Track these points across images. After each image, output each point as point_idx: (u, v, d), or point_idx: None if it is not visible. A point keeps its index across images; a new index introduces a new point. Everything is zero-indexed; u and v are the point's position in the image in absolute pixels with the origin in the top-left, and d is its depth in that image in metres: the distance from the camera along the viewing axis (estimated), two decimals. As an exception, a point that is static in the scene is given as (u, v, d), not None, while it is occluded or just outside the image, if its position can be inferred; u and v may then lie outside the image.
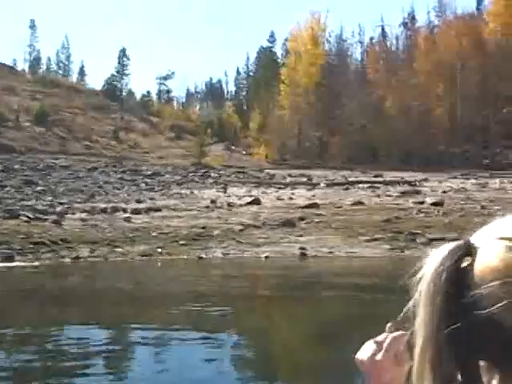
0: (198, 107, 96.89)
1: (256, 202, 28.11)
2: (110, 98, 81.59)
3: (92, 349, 9.73)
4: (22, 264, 16.74)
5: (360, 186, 36.04)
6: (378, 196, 30.49)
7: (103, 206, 26.28)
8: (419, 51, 63.20)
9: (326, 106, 64.11)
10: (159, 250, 18.59)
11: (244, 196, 30.72)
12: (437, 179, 38.78)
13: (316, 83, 65.85)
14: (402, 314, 1.05)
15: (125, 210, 25.17)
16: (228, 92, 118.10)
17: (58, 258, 17.63)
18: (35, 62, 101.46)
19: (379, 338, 1.23)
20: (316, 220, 23.15)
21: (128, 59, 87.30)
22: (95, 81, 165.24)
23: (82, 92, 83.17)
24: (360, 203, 27.36)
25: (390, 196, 30.29)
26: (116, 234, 20.49)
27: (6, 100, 67.88)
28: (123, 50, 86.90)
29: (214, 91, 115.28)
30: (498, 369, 0.95)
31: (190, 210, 25.89)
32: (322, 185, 37.39)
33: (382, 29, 77.39)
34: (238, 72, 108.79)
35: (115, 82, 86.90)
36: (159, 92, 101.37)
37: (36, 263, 16.94)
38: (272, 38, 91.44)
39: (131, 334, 11.30)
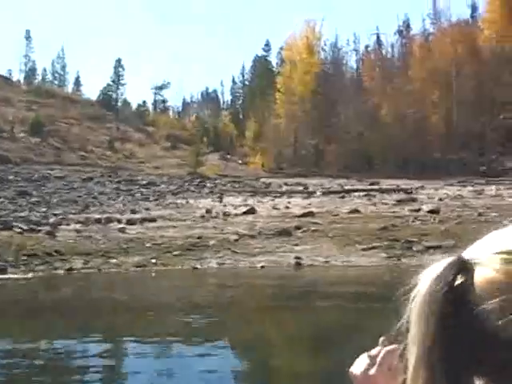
0: (194, 116, 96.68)
1: (251, 211, 27.97)
2: (105, 108, 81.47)
3: (86, 361, 9.68)
4: (15, 276, 16.63)
5: (356, 194, 35.90)
6: (374, 204, 30.35)
7: (98, 216, 26.10)
8: (414, 59, 63.24)
9: (321, 114, 64.08)
10: (153, 260, 18.48)
11: (240, 205, 30.55)
12: (433, 186, 38.69)
13: (311, 91, 65.86)
14: (395, 330, 1.02)
15: (119, 221, 25.02)
16: (224, 101, 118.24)
17: (52, 269, 17.53)
18: (31, 73, 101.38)
19: (373, 352, 1.22)
20: (312, 229, 23.02)
21: (123, 69, 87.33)
22: (91, 91, 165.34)
23: (77, 102, 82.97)
24: (356, 211, 27.23)
25: (386, 204, 30.16)
26: (110, 245, 20.36)
27: (2, 111, 67.67)
28: (119, 60, 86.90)
29: (209, 100, 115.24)
30: None
31: (185, 220, 25.75)
32: (318, 193, 37.26)
33: (377, 37, 77.51)
34: (234, 81, 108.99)
35: (111, 92, 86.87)
36: (155, 102, 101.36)
37: (29, 275, 16.82)
38: (267, 47, 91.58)
39: (126, 346, 11.25)
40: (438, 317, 0.90)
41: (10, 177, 44.27)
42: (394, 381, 1.15)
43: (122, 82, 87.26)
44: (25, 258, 18.26)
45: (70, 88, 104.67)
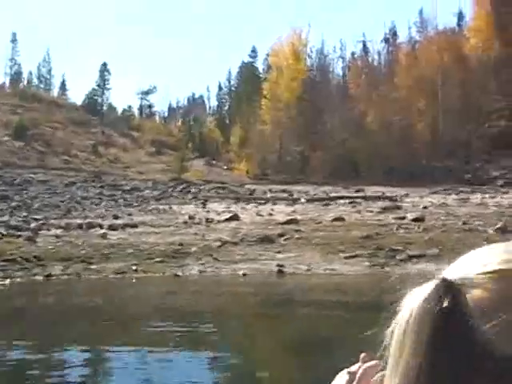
0: (180, 121, 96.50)
1: (235, 217, 27.80)
2: (90, 112, 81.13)
3: (64, 369, 9.56)
4: (-8, 282, 16.37)
5: (341, 201, 35.73)
6: (359, 212, 30.21)
7: (79, 221, 25.89)
8: (400, 66, 63.32)
9: (307, 120, 63.99)
10: (134, 267, 18.26)
11: (223, 212, 30.38)
12: (418, 194, 38.61)
13: (297, 98, 65.77)
14: (378, 354, 0.98)
15: (101, 226, 24.83)
16: (210, 107, 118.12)
17: (30, 275, 17.29)
18: (16, 76, 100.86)
19: (353, 369, 1.19)
20: (296, 236, 22.87)
21: (109, 73, 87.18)
22: (77, 95, 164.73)
23: (62, 106, 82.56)
24: (340, 219, 27.08)
25: (370, 212, 30.02)
26: (91, 251, 20.17)
27: (-14, 115, 67.45)
28: (104, 65, 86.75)
29: (196, 106, 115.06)
30: None
31: (168, 226, 25.56)
32: (302, 200, 37.10)
33: (364, 44, 77.61)
34: (220, 87, 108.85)
35: (96, 97, 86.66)
36: (141, 107, 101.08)
37: (6, 281, 16.56)
38: (254, 53, 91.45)
39: (105, 354, 11.12)
40: (428, 345, 0.86)
41: (-8, 181, 43.94)
42: None
43: (107, 86, 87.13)
44: (3, 263, 18.03)
45: (55, 92, 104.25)
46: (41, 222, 25.72)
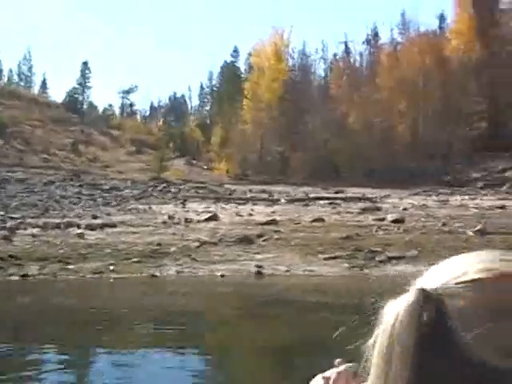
0: (161, 121, 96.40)
1: (214, 217, 27.65)
2: (71, 110, 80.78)
3: (40, 371, 9.37)
4: (-34, 282, 16.18)
5: (321, 202, 35.66)
6: (339, 213, 30.12)
7: (57, 221, 25.66)
8: (382, 68, 63.35)
9: (288, 121, 63.97)
10: (111, 267, 18.09)
11: (203, 212, 30.21)
12: (398, 196, 38.61)
13: (279, 98, 65.74)
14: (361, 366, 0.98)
15: (79, 226, 24.60)
16: (192, 107, 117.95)
17: (6, 275, 17.08)
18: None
19: (327, 374, 1.22)
20: (275, 237, 22.75)
21: (90, 72, 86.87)
22: (58, 93, 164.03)
23: (42, 104, 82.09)
24: (320, 220, 26.99)
25: (350, 213, 29.94)
26: (68, 251, 19.98)
27: (-36, 112, 67.02)
28: (85, 63, 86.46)
29: (177, 106, 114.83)
30: None
31: (147, 226, 25.38)
32: (282, 201, 37.01)
33: (346, 45, 77.60)
34: (202, 87, 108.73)
35: (77, 95, 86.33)
36: (122, 106, 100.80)
37: (-19, 281, 16.38)
38: (235, 53, 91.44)
39: (81, 356, 11.04)
40: (415, 357, 0.88)
41: (-30, 180, 43.60)
42: None
43: (88, 84, 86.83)
44: (-22, 263, 17.82)
45: (36, 90, 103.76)
46: (18, 221, 25.48)
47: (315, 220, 26.93)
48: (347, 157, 56.14)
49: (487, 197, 38.03)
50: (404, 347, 0.88)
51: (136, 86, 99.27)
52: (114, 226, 25.11)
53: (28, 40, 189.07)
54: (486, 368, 0.85)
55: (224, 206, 34.40)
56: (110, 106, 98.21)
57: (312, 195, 39.93)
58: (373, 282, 16.68)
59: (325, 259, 19.36)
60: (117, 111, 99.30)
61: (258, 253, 20.32)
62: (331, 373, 1.22)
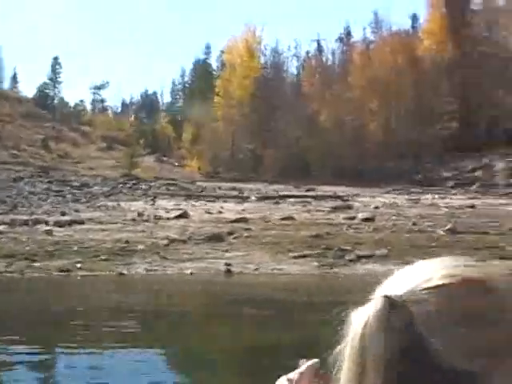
0: (132, 117, 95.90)
1: (184, 215, 27.48)
2: (41, 106, 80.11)
3: (7, 370, 9.21)
4: None
5: (291, 200, 35.58)
6: (309, 211, 30.07)
7: (25, 218, 25.37)
8: (354, 66, 63.47)
9: (260, 118, 63.91)
10: (79, 265, 17.86)
11: (172, 209, 30.03)
12: (369, 194, 38.66)
13: (250, 95, 65.63)
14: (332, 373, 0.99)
15: (47, 223, 24.32)
16: (163, 104, 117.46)
17: (-29, 273, 16.85)
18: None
19: (290, 376, 1.23)
20: (245, 235, 22.63)
21: (61, 67, 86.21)
22: (28, 88, 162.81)
23: (12, 99, 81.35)
24: (290, 218, 26.91)
25: (321, 211, 29.90)
26: (35, 248, 19.74)
27: None
28: (56, 58, 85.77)
29: (149, 102, 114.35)
30: None
31: (116, 223, 25.17)
32: (252, 198, 36.90)
33: (318, 43, 77.55)
34: (174, 83, 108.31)
35: (47, 91, 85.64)
36: (93, 102, 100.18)
37: None
38: (208, 50, 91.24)
39: (49, 353, 10.82)
40: (386, 365, 0.89)
41: None
42: None
43: (59, 80, 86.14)
44: None
45: (6, 85, 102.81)
46: (-16, 217, 25.19)
47: (285, 218, 26.86)
48: (319, 155, 56.16)
49: (457, 196, 38.24)
50: (375, 355, 0.89)
51: (108, 82, 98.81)
52: (82, 222, 24.88)
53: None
54: (456, 373, 0.86)
55: (194, 203, 34.22)
56: (81, 101, 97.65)
57: (282, 193, 39.84)
58: (342, 280, 16.64)
59: (294, 258, 19.26)
60: (88, 107, 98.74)
61: (227, 251, 20.19)
62: (294, 374, 1.22)
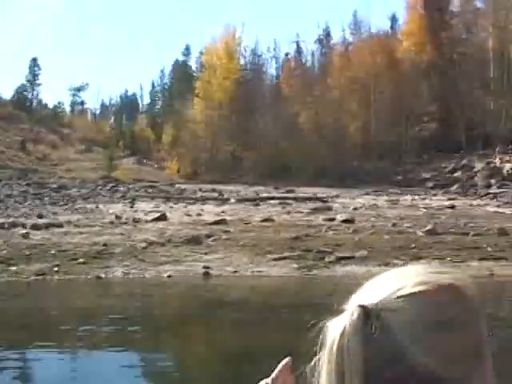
0: (112, 119, 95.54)
1: (163, 217, 27.31)
2: (19, 108, 79.61)
3: None
4: None
5: (271, 202, 35.51)
6: (289, 213, 30.00)
7: (2, 221, 25.13)
8: (334, 68, 63.63)
9: (240, 120, 63.89)
10: (56, 268, 17.64)
11: (151, 211, 29.86)
12: (349, 195, 38.68)
13: (230, 97, 65.61)
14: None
15: (24, 226, 24.08)
16: (143, 105, 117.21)
17: None
18: None
19: (269, 380, 1.25)
20: (224, 237, 22.49)
21: (39, 69, 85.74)
22: (6, 90, 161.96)
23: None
24: (270, 220, 26.83)
25: (300, 212, 29.84)
26: (11, 251, 19.49)
27: None
28: (34, 60, 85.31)
29: (128, 104, 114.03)
30: None
31: (94, 226, 24.95)
32: (232, 200, 36.79)
33: (297, 45, 77.65)
34: (153, 85, 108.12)
35: (26, 92, 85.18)
36: (72, 103, 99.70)
37: None
38: (187, 52, 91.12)
39: (26, 358, 10.66)
40: (362, 373, 0.90)
41: None
42: None
43: (37, 82, 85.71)
44: None
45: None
46: (-40, 221, 24.92)
47: (265, 220, 26.79)
48: (298, 156, 56.15)
49: (437, 197, 38.34)
50: (353, 365, 0.90)
51: (87, 84, 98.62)
52: (60, 225, 24.66)
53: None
54: (432, 378, 0.88)
55: (173, 205, 34.07)
56: (60, 103, 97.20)
57: (262, 195, 39.81)
58: (321, 282, 16.54)
59: (274, 260, 19.12)
60: (67, 109, 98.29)
61: (206, 253, 20.03)
62: (271, 376, 1.25)
